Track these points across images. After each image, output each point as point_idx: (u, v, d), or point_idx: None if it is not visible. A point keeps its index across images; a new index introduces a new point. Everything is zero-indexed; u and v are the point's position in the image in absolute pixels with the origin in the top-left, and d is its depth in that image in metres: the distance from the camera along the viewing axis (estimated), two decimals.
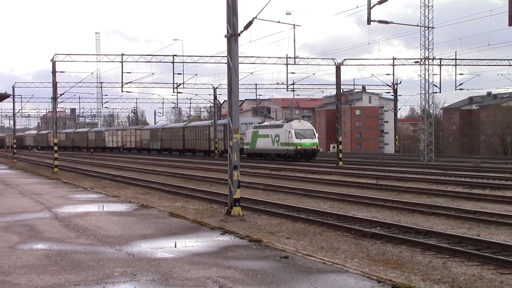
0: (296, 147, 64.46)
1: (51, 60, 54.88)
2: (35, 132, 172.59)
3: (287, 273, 11.90)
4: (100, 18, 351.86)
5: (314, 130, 69.15)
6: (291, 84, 75.28)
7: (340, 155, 59.54)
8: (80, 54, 59.88)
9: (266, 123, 79.37)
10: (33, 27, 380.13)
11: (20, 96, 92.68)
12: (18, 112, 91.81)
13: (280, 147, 67.20)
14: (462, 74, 69.26)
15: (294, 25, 55.72)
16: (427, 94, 66.37)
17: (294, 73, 72.76)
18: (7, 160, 74.16)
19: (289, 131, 65.03)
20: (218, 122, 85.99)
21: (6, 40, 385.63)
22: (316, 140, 67.44)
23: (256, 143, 73.14)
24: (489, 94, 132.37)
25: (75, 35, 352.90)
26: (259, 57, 65.55)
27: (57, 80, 55.19)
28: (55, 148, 56.88)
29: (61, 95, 60.69)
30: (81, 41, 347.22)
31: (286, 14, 74.35)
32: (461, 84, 69.88)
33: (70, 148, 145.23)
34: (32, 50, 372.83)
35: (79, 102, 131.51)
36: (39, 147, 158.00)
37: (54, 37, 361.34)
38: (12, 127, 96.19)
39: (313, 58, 67.69)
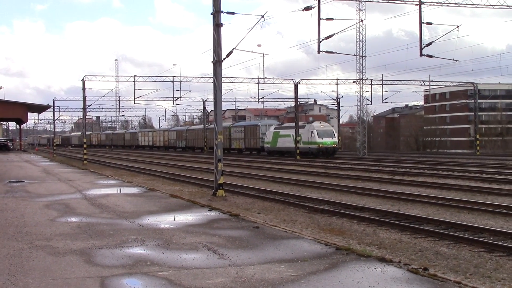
0: (319, 146, 57.20)
1: (81, 80, 55.20)
2: (79, 133, 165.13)
3: (258, 239, 11.93)
4: (114, 47, 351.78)
5: (334, 130, 60.88)
6: (261, 98, 75.22)
7: (298, 151, 59.76)
8: (103, 75, 59.90)
9: (286, 124, 72.63)
10: (63, 55, 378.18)
11: (58, 107, 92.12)
12: (57, 119, 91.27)
13: (302, 146, 58.67)
14: (386, 91, 69.67)
15: (263, 54, 55.94)
16: (361, 106, 66.96)
17: (263, 89, 72.86)
18: (49, 155, 73.50)
19: (312, 131, 57.70)
20: (236, 124, 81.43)
21: (45, 65, 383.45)
22: (335, 139, 59.62)
23: (277, 142, 64.27)
24: (406, 105, 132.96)
25: (97, 60, 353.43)
26: (237, 77, 66.29)
27: (86, 95, 55.19)
28: (85, 146, 56.97)
29: (89, 106, 60.66)
30: (100, 64, 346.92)
31: (257, 46, 74.06)
32: (386, 98, 70.82)
33: (109, 146, 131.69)
34: (63, 72, 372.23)
35: (102, 111, 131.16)
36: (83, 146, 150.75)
37: (81, 62, 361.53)
38: (53, 130, 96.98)
39: (277, 79, 68.44)
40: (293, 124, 64.87)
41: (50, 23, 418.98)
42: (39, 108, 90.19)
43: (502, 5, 28.18)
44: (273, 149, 65.27)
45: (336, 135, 59.81)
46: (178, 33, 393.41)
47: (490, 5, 28.01)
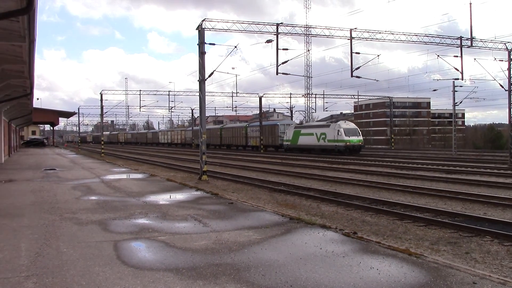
0: (346, 144, 47.00)
1: (100, 93, 54.80)
2: (108, 132, 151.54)
3: (232, 212, 11.90)
4: (119, 68, 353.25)
5: (358, 129, 50.49)
6: (235, 107, 75.01)
7: (262, 147, 59.82)
8: (116, 90, 59.29)
9: (308, 123, 60.89)
10: (81, 74, 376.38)
11: (82, 114, 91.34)
12: (81, 122, 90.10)
13: (327, 144, 49.15)
14: (327, 102, 70.30)
15: (236, 74, 56.08)
16: (308, 113, 67.32)
17: (236, 101, 73.14)
18: (75, 150, 72.34)
19: (338, 130, 47.58)
20: (252, 124, 70.38)
21: (68, 82, 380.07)
22: (361, 138, 49.29)
23: (298, 140, 53.86)
24: (341, 113, 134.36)
25: (106, 78, 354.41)
26: (216, 92, 66.39)
27: (103, 104, 54.69)
28: (102, 142, 56.59)
29: (105, 113, 60.04)
30: (109, 80, 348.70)
31: (232, 68, 73.81)
32: (326, 108, 71.18)
33: (134, 143, 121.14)
34: (81, 87, 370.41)
35: (115, 116, 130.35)
36: (111, 142, 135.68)
37: (94, 79, 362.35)
38: (78, 131, 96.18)
39: (247, 93, 68.71)
40: (317, 123, 56.59)
41: (70, 51, 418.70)
42: (67, 114, 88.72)
43: (404, 41, 28.56)
44: (293, 146, 54.96)
45: (360, 133, 49.62)
46: (168, 59, 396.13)
47: (400, 40, 28.39)
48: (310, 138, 51.75)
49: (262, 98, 63.58)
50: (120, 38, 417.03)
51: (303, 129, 54.10)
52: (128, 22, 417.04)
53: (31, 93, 26.94)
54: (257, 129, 63.96)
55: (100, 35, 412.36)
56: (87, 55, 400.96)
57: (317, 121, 60.71)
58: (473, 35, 29.41)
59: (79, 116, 77.49)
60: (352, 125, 50.09)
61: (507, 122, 32.84)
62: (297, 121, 72.78)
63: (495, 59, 31.43)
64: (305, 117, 68.59)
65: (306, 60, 71.99)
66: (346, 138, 47.04)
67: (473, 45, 29.53)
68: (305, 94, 70.69)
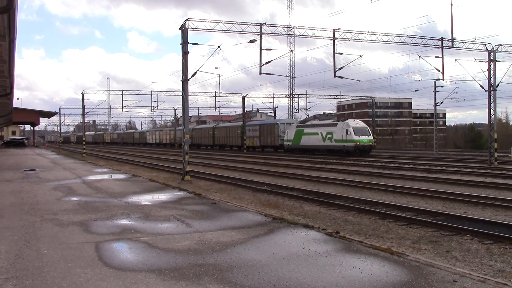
0: (356, 144, 42.47)
1: (81, 93, 54.18)
2: (93, 132, 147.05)
3: (215, 212, 11.88)
4: (100, 68, 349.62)
5: (368, 128, 45.56)
6: (218, 108, 74.80)
7: (245, 146, 59.80)
8: (98, 89, 58.78)
9: (312, 122, 53.85)
10: (61, 73, 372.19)
11: (63, 113, 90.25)
12: (62, 122, 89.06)
13: (334, 144, 44.61)
14: (310, 102, 70.29)
15: (219, 74, 55.89)
16: (292, 113, 67.52)
17: (219, 101, 72.78)
18: (56, 150, 71.51)
19: (347, 129, 43.05)
20: (249, 123, 66.07)
21: (48, 81, 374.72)
22: (371, 137, 44.76)
23: (300, 140, 49.49)
24: (324, 113, 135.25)
25: (87, 77, 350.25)
26: (199, 92, 66.23)
27: (84, 104, 54.18)
28: (84, 142, 55.99)
29: (87, 113, 59.64)
30: (90, 80, 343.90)
31: (215, 68, 73.74)
32: (310, 108, 71.39)
33: (120, 144, 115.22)
34: (62, 86, 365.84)
35: (97, 116, 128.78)
36: (96, 143, 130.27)
37: (75, 79, 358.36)
38: (59, 131, 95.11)
39: (230, 93, 68.42)
40: (322, 122, 51.79)
41: (49, 50, 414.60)
42: (48, 114, 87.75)
43: (386, 41, 28.81)
44: (296, 147, 50.47)
45: (370, 132, 44.86)
46: (149, 58, 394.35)
47: (382, 41, 28.62)
48: (315, 138, 47.57)
49: (245, 98, 63.58)
50: (100, 38, 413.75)
51: (307, 128, 49.65)
52: (108, 21, 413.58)
53: (11, 93, 26.60)
54: (255, 128, 60.98)
55: (80, 34, 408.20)
56: (67, 55, 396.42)
57: (319, 119, 57.49)
58: (453, 36, 29.81)
59: (60, 116, 76.55)
60: (361, 124, 45.69)
61: (487, 122, 33.33)
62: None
63: (475, 60, 31.88)
64: (290, 117, 68.67)
65: (289, 60, 72.19)
66: (356, 137, 42.75)
67: (454, 46, 29.90)
68: (288, 94, 70.89)
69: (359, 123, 45.58)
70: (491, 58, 31.25)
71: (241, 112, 70.29)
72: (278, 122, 57.52)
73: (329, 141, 45.43)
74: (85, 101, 54.06)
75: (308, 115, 62.77)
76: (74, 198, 14.71)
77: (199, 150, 69.17)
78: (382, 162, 34.22)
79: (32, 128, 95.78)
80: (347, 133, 43.09)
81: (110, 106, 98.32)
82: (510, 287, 5.96)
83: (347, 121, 45.21)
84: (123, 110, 66.22)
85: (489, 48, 31.09)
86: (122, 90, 61.31)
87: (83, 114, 56.60)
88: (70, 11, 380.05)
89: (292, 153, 49.40)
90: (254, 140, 60.58)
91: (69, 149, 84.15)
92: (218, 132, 70.55)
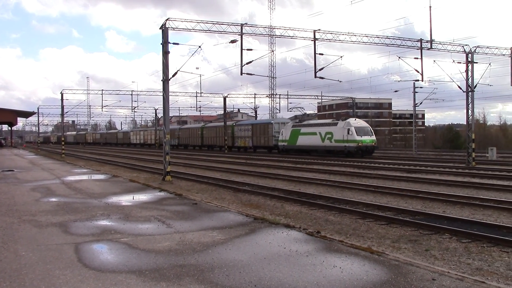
0: (358, 144, 40.00)
1: (60, 93, 53.39)
2: (74, 132, 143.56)
3: (196, 212, 11.85)
4: (79, 67, 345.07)
5: (370, 127, 43.15)
6: (199, 108, 74.50)
7: (227, 147, 59.69)
8: (77, 89, 58.18)
9: (309, 121, 50.95)
10: (39, 73, 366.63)
11: (42, 113, 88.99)
12: (40, 122, 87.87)
13: (334, 144, 42.17)
14: (291, 103, 70.81)
15: (200, 75, 55.74)
16: (273, 114, 67.66)
17: (200, 101, 72.33)
18: (34, 150, 70.54)
19: (349, 129, 40.60)
20: (240, 123, 63.38)
21: (25, 81, 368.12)
22: (374, 137, 42.02)
23: (297, 140, 47.05)
24: (305, 113, 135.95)
25: (65, 76, 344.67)
26: (180, 92, 65.78)
27: (63, 104, 53.52)
28: (63, 142, 55.30)
29: (66, 112, 58.68)
30: (68, 79, 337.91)
31: (196, 68, 73.64)
32: (291, 108, 71.72)
33: (103, 144, 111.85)
34: (39, 86, 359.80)
35: (76, 116, 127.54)
36: (78, 143, 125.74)
37: (52, 78, 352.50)
38: (37, 131, 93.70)
39: (211, 93, 68.26)
40: (321, 121, 49.81)
41: (26, 49, 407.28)
42: (26, 114, 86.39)
43: (367, 42, 29.06)
44: (291, 147, 48.03)
45: (373, 132, 42.46)
46: (128, 58, 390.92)
47: (362, 42, 28.86)
48: (313, 138, 45.07)
49: (226, 98, 63.49)
50: (78, 37, 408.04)
51: (304, 128, 47.16)
52: (85, 20, 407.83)
53: None
54: (247, 128, 58.28)
55: (57, 33, 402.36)
56: (44, 54, 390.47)
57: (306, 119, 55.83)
58: (432, 38, 30.20)
59: (38, 116, 75.65)
60: (363, 123, 43.25)
61: (465, 123, 33.82)
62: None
63: (454, 61, 32.32)
64: (272, 117, 68.79)
65: (270, 60, 72.39)
66: (358, 138, 40.33)
67: (433, 47, 30.30)
68: (269, 94, 71.01)
69: (360, 122, 43.37)
70: (469, 59, 31.73)
71: (222, 112, 70.17)
72: (272, 122, 55.23)
73: (328, 141, 43.19)
74: (64, 101, 53.38)
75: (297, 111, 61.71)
76: (53, 199, 14.52)
77: (186, 150, 67.73)
78: (362, 162, 34.49)
79: (9, 128, 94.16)
80: (348, 133, 40.84)
81: (90, 106, 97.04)
82: (487, 285, 6.07)
83: (348, 120, 42.84)
84: (103, 110, 65.40)
85: (467, 50, 31.57)
86: (102, 90, 60.50)
87: (62, 114, 55.79)
88: (47, 10, 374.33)
89: (288, 154, 47.34)
90: (246, 140, 58.19)
91: (47, 149, 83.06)
92: (207, 132, 67.86)
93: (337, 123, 43.08)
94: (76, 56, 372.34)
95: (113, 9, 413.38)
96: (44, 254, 7.48)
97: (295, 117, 65.99)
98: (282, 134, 49.83)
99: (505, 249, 9.15)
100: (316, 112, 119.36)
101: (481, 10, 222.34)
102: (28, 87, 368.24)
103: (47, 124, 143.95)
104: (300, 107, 60.37)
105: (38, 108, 77.33)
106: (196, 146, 71.26)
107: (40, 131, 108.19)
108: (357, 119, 44.81)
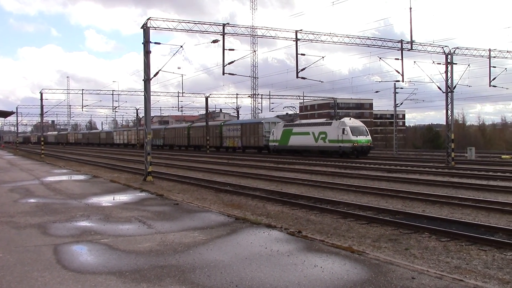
0: (353, 144, 39.08)
1: (40, 92, 52.66)
2: (55, 132, 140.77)
3: (178, 212, 11.80)
4: (58, 67, 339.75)
5: (366, 127, 41.99)
6: (181, 107, 74.10)
7: (208, 147, 59.51)
8: (56, 89, 57.37)
9: (301, 121, 50.24)
10: (17, 72, 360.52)
11: (20, 113, 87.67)
12: (19, 122, 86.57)
13: (328, 144, 41.17)
14: (273, 103, 71.32)
15: (182, 74, 55.63)
16: (255, 114, 67.73)
17: (182, 101, 72.18)
18: (13, 151, 69.52)
19: (343, 128, 39.59)
20: (229, 122, 62.22)
21: (2, 80, 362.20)
22: (369, 137, 40.98)
23: (289, 141, 45.88)
24: (287, 114, 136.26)
25: (44, 76, 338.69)
26: (162, 92, 65.58)
27: (43, 104, 52.79)
28: (42, 142, 54.53)
29: (45, 112, 57.81)
30: (47, 79, 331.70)
31: (178, 68, 73.32)
32: (273, 108, 71.79)
33: (85, 144, 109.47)
34: (17, 85, 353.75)
35: (56, 116, 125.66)
36: (60, 143, 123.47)
37: (31, 78, 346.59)
38: (16, 131, 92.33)
39: (193, 93, 67.99)
40: (314, 121, 48.60)
41: (3, 48, 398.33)
42: (4, 114, 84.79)
43: (348, 43, 29.27)
44: (283, 148, 46.90)
45: (368, 132, 41.39)
46: (108, 57, 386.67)
47: (344, 42, 29.06)
48: (306, 138, 43.86)
49: (208, 98, 63.35)
50: (56, 35, 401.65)
51: (296, 128, 46.01)
52: (64, 19, 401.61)
53: None
54: (236, 127, 57.02)
55: (35, 32, 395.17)
56: (22, 53, 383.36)
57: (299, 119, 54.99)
58: (412, 39, 30.55)
59: (17, 116, 74.44)
60: (358, 123, 42.41)
61: (445, 123, 34.27)
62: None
63: (434, 62, 32.72)
64: (254, 117, 68.83)
65: (252, 60, 72.42)
66: (353, 138, 39.42)
67: (413, 48, 30.63)
68: (251, 94, 71.09)
69: (356, 122, 42.50)
70: (449, 60, 32.17)
71: (204, 112, 69.92)
72: (262, 121, 53.62)
73: (322, 141, 42.11)
74: (43, 100, 52.65)
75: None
76: (32, 200, 14.33)
77: (170, 151, 66.75)
78: (343, 162, 34.71)
79: None
80: (343, 133, 39.87)
81: (70, 105, 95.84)
82: (466, 283, 6.16)
83: (342, 119, 41.82)
84: (83, 110, 64.58)
85: (447, 51, 31.99)
86: (82, 89, 59.85)
87: (42, 114, 55.02)
88: (25, 8, 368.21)
89: (279, 155, 46.32)
90: (235, 140, 56.78)
91: (27, 149, 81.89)
92: (193, 132, 66.37)
93: (332, 122, 42.14)
94: (55, 55, 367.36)
95: (93, 7, 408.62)
96: (22, 256, 7.38)
97: (277, 117, 65.88)
98: (273, 134, 48.70)
99: (483, 248, 9.30)
100: (298, 112, 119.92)
101: (460, 12, 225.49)
102: (6, 86, 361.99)
103: (26, 124, 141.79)
104: (291, 106, 59.68)
105: (17, 108, 76.02)
106: (182, 147, 69.79)
107: (19, 131, 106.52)
108: (352, 118, 43.97)
